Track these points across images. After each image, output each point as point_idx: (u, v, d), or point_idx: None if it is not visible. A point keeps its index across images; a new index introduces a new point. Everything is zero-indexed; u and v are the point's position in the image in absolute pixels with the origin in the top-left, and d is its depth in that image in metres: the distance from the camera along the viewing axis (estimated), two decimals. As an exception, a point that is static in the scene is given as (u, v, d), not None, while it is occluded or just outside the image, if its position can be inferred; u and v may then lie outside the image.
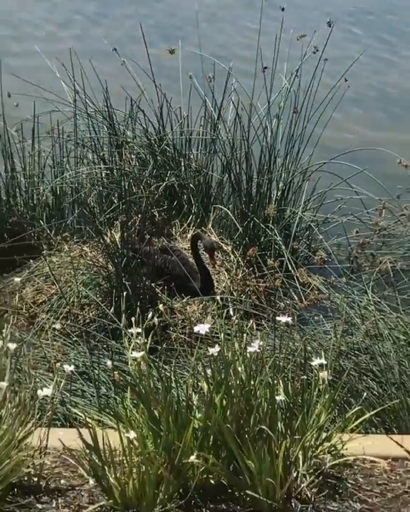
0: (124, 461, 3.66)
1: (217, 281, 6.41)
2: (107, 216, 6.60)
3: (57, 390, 4.18)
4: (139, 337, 4.04)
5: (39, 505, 3.62)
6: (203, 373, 4.00)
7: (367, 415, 4.15)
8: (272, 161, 6.69)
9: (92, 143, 6.96)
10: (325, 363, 4.02)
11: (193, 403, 3.93)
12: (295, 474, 3.70)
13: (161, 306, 5.05)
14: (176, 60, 6.86)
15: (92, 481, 3.66)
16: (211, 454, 3.73)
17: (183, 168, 6.96)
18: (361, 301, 5.72)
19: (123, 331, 4.61)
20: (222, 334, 4.31)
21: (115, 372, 4.57)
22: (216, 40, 9.12)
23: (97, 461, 3.66)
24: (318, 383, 4.01)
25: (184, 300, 6.22)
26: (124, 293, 5.42)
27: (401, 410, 4.79)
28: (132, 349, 4.09)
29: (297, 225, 6.68)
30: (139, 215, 6.32)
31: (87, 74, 6.71)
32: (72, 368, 4.05)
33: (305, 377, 3.99)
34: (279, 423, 3.86)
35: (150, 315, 4.41)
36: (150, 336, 4.25)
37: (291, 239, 6.50)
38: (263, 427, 3.74)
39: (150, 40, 7.16)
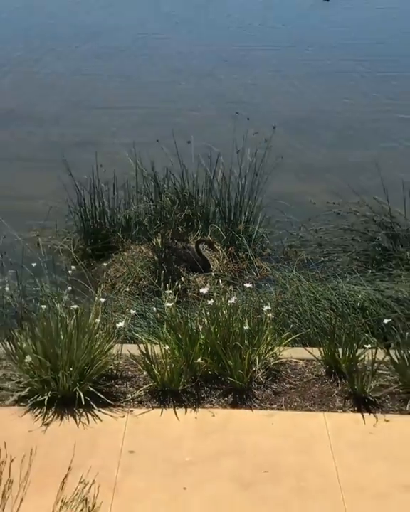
0: (162, 362, 5.53)
1: (212, 266, 8.58)
2: (154, 230, 8.96)
3: (126, 323, 6.25)
4: (170, 295, 6.22)
5: (117, 386, 5.63)
6: (204, 314, 5.92)
7: (293, 337, 6.16)
8: (242, 201, 9.20)
9: (146, 191, 9.49)
10: (270, 308, 6.01)
11: (199, 330, 5.77)
12: (254, 368, 5.67)
13: (182, 278, 7.75)
14: (190, 146, 10.05)
15: (145, 373, 5.65)
16: (209, 358, 5.66)
17: (194, 204, 9.30)
18: (289, 276, 7.82)
19: (162, 292, 6.75)
20: (215, 293, 6.53)
21: (157, 314, 6.64)
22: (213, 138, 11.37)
23: (148, 361, 5.56)
24: (266, 320, 5.91)
25: (195, 275, 8.35)
26: (162, 271, 7.95)
27: (311, 335, 6.66)
28: (167, 301, 6.16)
29: (255, 235, 9.02)
30: (171, 230, 8.66)
31: (141, 155, 9.67)
32: (134, 311, 6.57)
33: (259, 316, 5.96)
34: (245, 341, 5.69)
35: (176, 283, 6.78)
36: (176, 294, 6.57)
37: (251, 242, 8.84)
38: (237, 343, 5.64)
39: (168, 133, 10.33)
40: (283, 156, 10.13)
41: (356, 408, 5.45)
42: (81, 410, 5.34)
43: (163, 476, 4.83)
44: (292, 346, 6.11)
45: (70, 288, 6.54)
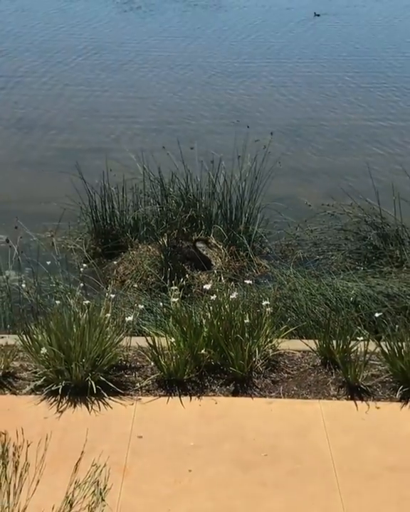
0: (168, 353, 5.55)
1: (214, 263, 8.67)
2: (160, 230, 8.97)
3: (135, 317, 6.20)
4: (176, 291, 6.13)
5: (126, 376, 5.63)
6: (208, 309, 5.94)
7: (290, 330, 6.13)
8: (242, 203, 9.22)
9: (152, 194, 9.51)
10: (269, 303, 6.02)
11: (203, 323, 5.78)
12: (254, 359, 5.66)
13: (187, 275, 7.57)
14: (194, 152, 10.17)
15: (152, 363, 5.66)
16: (212, 349, 5.63)
17: (197, 206, 9.30)
18: (286, 273, 7.89)
19: (168, 288, 6.75)
20: (217, 289, 6.53)
21: (164, 308, 6.72)
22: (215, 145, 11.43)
23: (155, 353, 5.57)
24: (265, 314, 5.89)
25: (198, 272, 8.40)
26: (168, 269, 7.82)
27: (307, 327, 6.69)
28: (172, 297, 6.10)
29: (254, 235, 9.10)
30: (176, 230, 8.72)
31: (148, 160, 9.71)
32: (142, 306, 6.60)
33: (259, 310, 5.93)
34: (246, 333, 5.68)
35: (181, 280, 6.69)
36: (181, 290, 6.46)
37: (251, 242, 8.91)
38: (238, 335, 5.63)
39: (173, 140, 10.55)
40: (281, 161, 10.16)
41: (349, 396, 5.47)
42: (93, 398, 5.36)
43: (169, 459, 4.85)
44: (290, 338, 6.13)
45: (82, 284, 6.58)
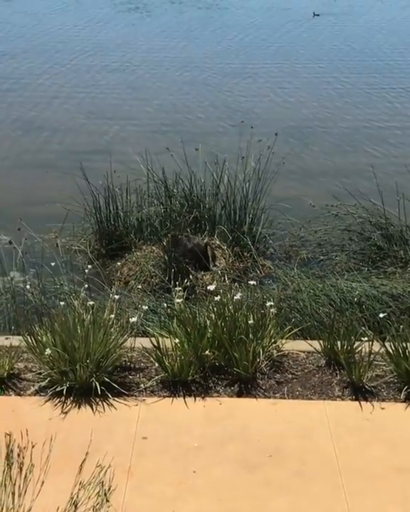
0: (172, 354, 5.58)
1: (218, 264, 8.62)
2: (164, 231, 8.93)
3: (139, 318, 6.28)
4: (180, 292, 6.23)
5: (130, 376, 5.66)
6: (212, 309, 5.94)
7: (294, 330, 6.16)
8: (246, 204, 9.17)
9: (156, 195, 9.47)
10: (273, 304, 6.02)
11: (207, 324, 5.80)
12: (258, 360, 5.67)
13: (190, 276, 7.74)
14: (198, 153, 9.84)
15: (156, 364, 5.68)
16: (216, 350, 5.66)
17: (201, 207, 9.27)
18: (290, 273, 7.92)
19: (172, 289, 6.77)
20: (221, 290, 6.46)
21: (168, 309, 6.69)
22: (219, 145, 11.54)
23: (159, 354, 5.60)
24: (269, 314, 5.92)
25: (202, 273, 8.38)
26: (172, 270, 7.82)
27: (311, 328, 6.72)
28: (177, 298, 6.16)
29: (258, 235, 9.03)
30: (180, 231, 8.68)
31: (152, 161, 9.58)
32: (146, 307, 6.62)
33: (263, 311, 5.94)
34: (250, 334, 5.71)
35: (185, 281, 6.73)
36: (185, 291, 6.56)
37: (255, 242, 8.86)
38: (242, 336, 5.66)
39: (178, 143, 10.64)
40: (284, 161, 10.13)
41: (354, 396, 5.47)
42: (97, 399, 5.37)
43: (174, 460, 4.85)
44: (294, 339, 6.16)
45: (86, 286, 6.58)
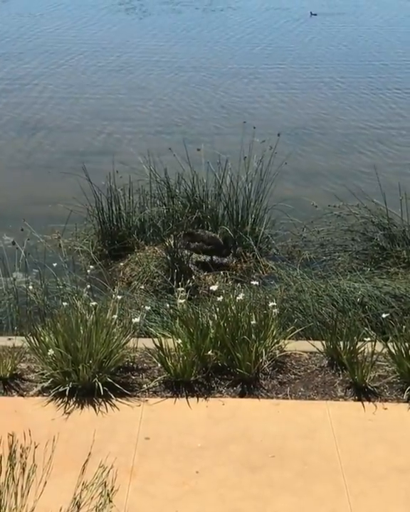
0: (175, 354, 5.58)
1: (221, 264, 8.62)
2: (167, 232, 8.96)
3: (142, 319, 6.32)
4: (183, 292, 6.16)
5: (133, 377, 5.66)
6: (214, 310, 6.00)
7: (297, 331, 6.16)
8: (248, 204, 9.22)
9: (159, 195, 9.51)
10: (275, 304, 6.06)
11: (210, 325, 5.79)
12: (261, 360, 5.65)
13: (193, 276, 7.72)
14: (201, 154, 9.92)
15: (159, 365, 5.67)
16: (218, 351, 5.65)
17: (204, 208, 9.29)
18: (293, 274, 7.94)
19: (174, 289, 6.83)
20: (224, 290, 6.64)
21: (170, 310, 6.67)
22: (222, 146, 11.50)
23: (162, 354, 5.59)
24: (272, 315, 5.91)
25: (204, 273, 8.45)
26: (175, 270, 7.89)
27: (314, 328, 6.69)
28: (179, 298, 6.12)
29: (261, 236, 9.07)
30: (182, 231, 8.75)
31: (155, 162, 9.69)
32: (149, 308, 6.60)
33: (265, 311, 5.93)
34: (253, 335, 5.69)
35: (188, 281, 6.80)
36: (188, 291, 6.51)
37: (258, 243, 8.90)
38: (245, 336, 5.65)
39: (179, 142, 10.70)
40: (287, 162, 10.12)
41: (356, 397, 5.47)
42: (100, 400, 5.37)
43: (176, 461, 4.85)
44: (297, 339, 6.15)
45: (89, 286, 6.57)
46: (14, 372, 5.65)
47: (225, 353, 5.68)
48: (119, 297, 6.07)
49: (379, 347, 5.70)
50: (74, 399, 5.39)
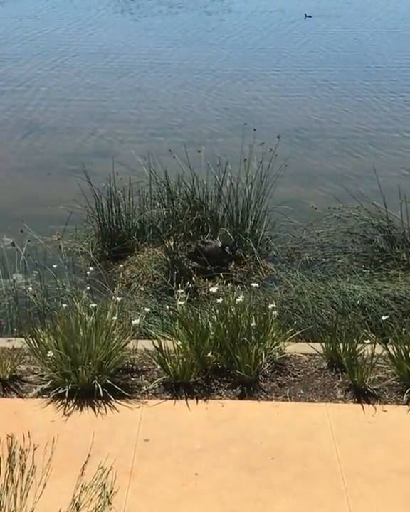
0: (175, 356, 5.57)
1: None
2: (167, 233, 8.88)
3: (141, 320, 6.37)
4: (182, 294, 6.19)
5: (132, 379, 5.66)
6: (214, 312, 6.00)
7: (296, 333, 6.19)
8: (248, 206, 9.16)
9: (159, 197, 9.44)
10: (275, 306, 6.05)
11: (209, 326, 5.80)
12: (260, 362, 5.66)
13: (193, 278, 7.45)
14: (201, 155, 9.80)
15: (158, 366, 5.67)
16: (218, 352, 5.66)
17: (204, 209, 9.23)
18: (292, 276, 7.91)
19: (174, 291, 6.71)
20: (223, 292, 6.47)
21: (170, 311, 6.62)
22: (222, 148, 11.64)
23: (161, 356, 5.60)
24: (272, 317, 5.91)
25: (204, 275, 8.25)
26: (175, 272, 7.94)
27: (313, 331, 6.66)
28: (179, 300, 6.14)
29: (261, 238, 9.00)
30: (182, 233, 8.76)
31: (155, 163, 9.62)
32: (148, 309, 6.73)
33: (265, 313, 5.92)
34: (252, 336, 5.68)
35: (188, 283, 6.62)
36: (188, 293, 6.48)
37: (258, 245, 8.84)
38: (244, 338, 5.64)
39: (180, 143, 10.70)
40: (287, 164, 10.12)
41: (356, 399, 5.46)
42: (99, 401, 5.36)
43: (176, 463, 4.84)
44: (296, 342, 6.15)
45: (88, 288, 6.57)
46: (14, 373, 5.65)
47: (224, 355, 5.68)
48: (118, 299, 6.06)
49: (378, 349, 5.70)
50: (73, 400, 5.39)
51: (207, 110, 15.18)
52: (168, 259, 8.38)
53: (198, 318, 5.88)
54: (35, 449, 4.04)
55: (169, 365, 5.54)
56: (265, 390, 5.56)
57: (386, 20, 24.55)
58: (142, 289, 7.86)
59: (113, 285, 7.96)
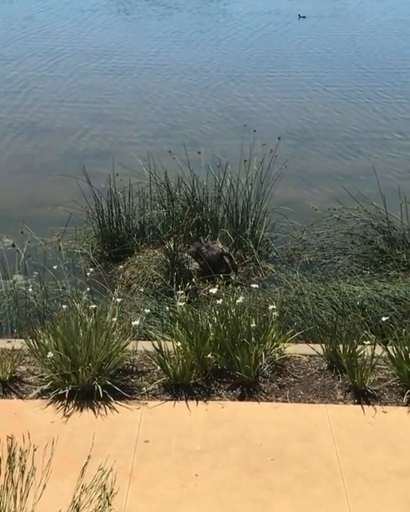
0: (175, 357, 5.58)
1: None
2: (167, 234, 8.91)
3: (141, 321, 6.39)
4: (182, 295, 6.22)
5: (132, 380, 5.66)
6: (214, 313, 5.99)
7: (296, 334, 6.17)
8: (248, 207, 9.20)
9: (159, 198, 9.47)
10: (275, 307, 6.03)
11: (209, 328, 5.79)
12: (260, 363, 5.65)
13: (193, 279, 7.59)
14: (201, 156, 9.80)
15: (159, 367, 5.68)
16: (218, 354, 5.66)
17: (204, 211, 9.24)
18: (292, 277, 7.96)
19: (174, 292, 6.81)
20: (223, 293, 6.54)
21: (170, 312, 6.63)
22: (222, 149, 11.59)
23: (161, 357, 5.59)
24: (272, 318, 5.90)
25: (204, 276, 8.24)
26: (175, 273, 7.97)
27: (313, 332, 6.64)
28: (179, 301, 6.16)
29: (261, 239, 9.05)
30: (182, 234, 8.79)
31: (155, 164, 9.66)
32: (148, 310, 6.74)
33: (265, 314, 5.94)
34: (252, 338, 5.67)
35: (188, 284, 6.74)
36: (188, 294, 6.57)
37: (258, 246, 8.89)
38: (244, 339, 5.64)
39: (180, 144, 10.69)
40: (287, 165, 10.12)
41: (356, 400, 5.46)
42: (99, 402, 5.37)
43: (176, 464, 4.84)
44: (296, 343, 6.16)
45: (88, 289, 6.57)
46: (14, 374, 5.65)
47: (224, 356, 5.68)
48: (118, 300, 6.06)
49: (378, 350, 5.70)
50: (73, 401, 5.39)
51: (208, 110, 15.18)
52: (168, 260, 8.38)
53: (198, 319, 5.87)
54: (35, 450, 4.04)
55: (169, 366, 5.54)
56: (265, 391, 5.56)
57: (381, 21, 24.57)
58: (142, 290, 7.87)
59: (113, 286, 7.96)
